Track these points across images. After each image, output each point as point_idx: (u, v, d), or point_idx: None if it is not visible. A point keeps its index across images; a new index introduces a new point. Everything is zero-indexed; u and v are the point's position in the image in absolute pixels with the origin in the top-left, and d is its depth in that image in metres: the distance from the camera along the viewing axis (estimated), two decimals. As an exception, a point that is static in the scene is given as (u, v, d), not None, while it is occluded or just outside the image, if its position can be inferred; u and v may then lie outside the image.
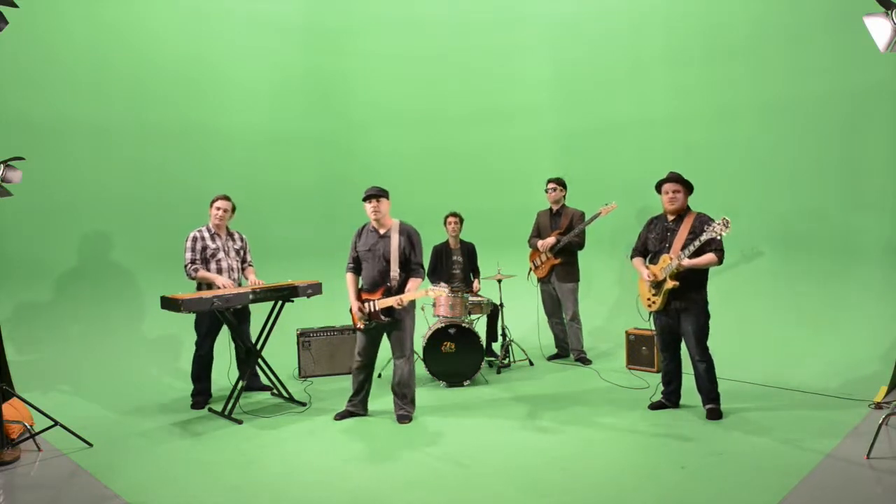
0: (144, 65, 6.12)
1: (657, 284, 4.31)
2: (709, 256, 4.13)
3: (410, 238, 4.42)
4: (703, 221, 4.22)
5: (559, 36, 7.33)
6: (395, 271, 4.33)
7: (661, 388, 4.60)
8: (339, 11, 7.50)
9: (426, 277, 5.07)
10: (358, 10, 7.56)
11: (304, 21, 7.32)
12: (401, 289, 4.35)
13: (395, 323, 4.37)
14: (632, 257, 4.60)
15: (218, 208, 4.98)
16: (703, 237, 4.06)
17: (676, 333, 4.40)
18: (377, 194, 4.36)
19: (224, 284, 4.78)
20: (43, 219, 5.49)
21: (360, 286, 4.51)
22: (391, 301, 4.25)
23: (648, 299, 4.41)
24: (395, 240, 4.36)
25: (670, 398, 4.55)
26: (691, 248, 4.10)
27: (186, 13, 6.42)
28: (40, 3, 5.39)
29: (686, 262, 4.14)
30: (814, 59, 5.64)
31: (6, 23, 3.44)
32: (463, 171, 7.66)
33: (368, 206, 4.37)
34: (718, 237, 4.04)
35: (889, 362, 4.73)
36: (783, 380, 4.98)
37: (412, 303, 4.42)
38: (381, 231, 4.42)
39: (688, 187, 4.33)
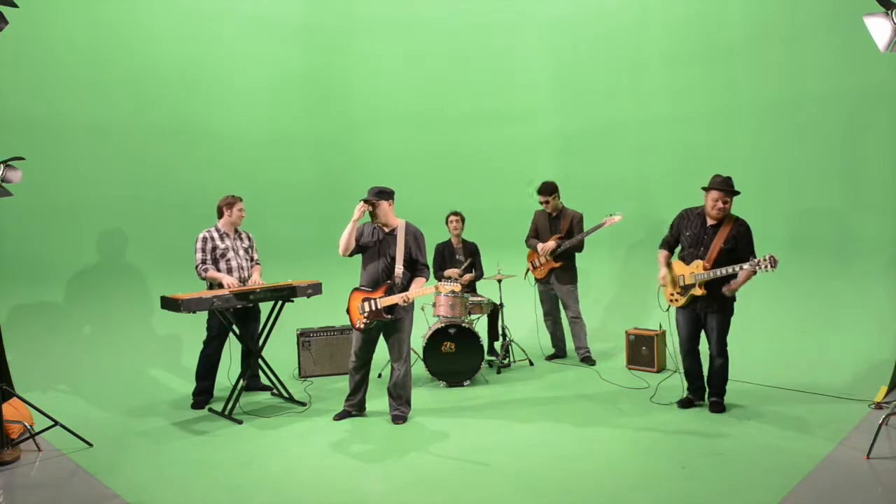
0: (144, 65, 6.11)
1: (685, 286, 4.31)
2: (746, 273, 4.09)
3: (416, 238, 4.46)
4: (741, 230, 4.21)
5: (559, 36, 7.33)
6: (399, 269, 4.34)
7: (686, 385, 4.59)
8: (340, 12, 7.50)
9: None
10: (358, 10, 7.56)
11: (304, 22, 7.31)
12: (404, 288, 4.36)
13: (395, 324, 4.37)
14: (660, 247, 4.56)
15: (241, 209, 5.09)
16: (746, 266, 3.97)
17: (699, 328, 4.42)
18: (374, 194, 4.37)
19: (230, 284, 4.79)
20: (43, 219, 5.49)
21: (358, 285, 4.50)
22: (396, 298, 4.25)
23: (672, 295, 4.41)
24: (401, 238, 4.39)
25: (696, 394, 4.55)
26: (726, 270, 4.08)
27: (187, 13, 6.41)
28: (40, 3, 5.38)
29: (728, 290, 4.21)
30: (814, 59, 5.64)
31: (6, 23, 3.44)
32: (463, 171, 7.65)
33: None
34: (761, 271, 3.93)
35: (889, 362, 4.73)
36: (783, 380, 4.98)
37: (412, 304, 4.42)
38: (387, 229, 4.44)
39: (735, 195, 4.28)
